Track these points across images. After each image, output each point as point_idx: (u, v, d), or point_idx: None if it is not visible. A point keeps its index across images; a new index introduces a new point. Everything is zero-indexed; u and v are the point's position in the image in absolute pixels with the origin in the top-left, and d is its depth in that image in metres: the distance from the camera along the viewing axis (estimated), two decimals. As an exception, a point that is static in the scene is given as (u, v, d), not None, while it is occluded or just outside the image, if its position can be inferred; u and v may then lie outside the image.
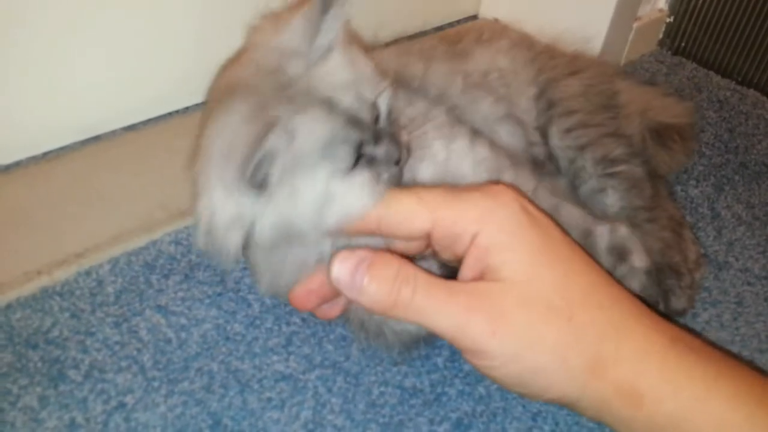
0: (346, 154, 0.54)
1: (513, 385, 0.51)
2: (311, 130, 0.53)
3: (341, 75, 0.56)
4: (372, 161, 0.56)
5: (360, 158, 0.55)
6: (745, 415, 0.48)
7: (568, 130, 0.77)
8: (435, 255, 0.57)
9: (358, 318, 0.65)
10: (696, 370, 0.49)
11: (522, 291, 0.50)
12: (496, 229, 0.51)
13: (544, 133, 0.79)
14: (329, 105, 0.54)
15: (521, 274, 0.50)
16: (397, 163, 0.57)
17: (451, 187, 0.55)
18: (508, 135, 0.75)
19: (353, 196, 0.54)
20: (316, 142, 0.53)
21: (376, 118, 0.57)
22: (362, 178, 0.54)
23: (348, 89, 0.55)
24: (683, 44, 1.28)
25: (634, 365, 0.49)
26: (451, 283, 0.51)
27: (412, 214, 0.53)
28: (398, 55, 0.76)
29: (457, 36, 0.84)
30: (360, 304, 0.51)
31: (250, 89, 0.56)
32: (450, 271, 0.58)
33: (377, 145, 0.56)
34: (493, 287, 0.50)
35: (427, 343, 0.67)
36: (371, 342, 0.66)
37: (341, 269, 0.50)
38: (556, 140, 0.78)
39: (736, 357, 0.69)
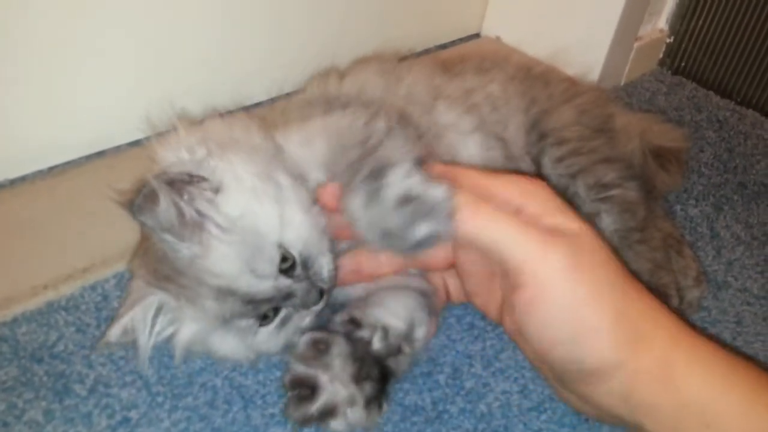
0: (249, 323, 0.59)
1: (559, 340, 0.50)
2: (199, 319, 0.58)
3: (230, 263, 0.56)
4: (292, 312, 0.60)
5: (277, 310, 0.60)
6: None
7: (560, 159, 0.79)
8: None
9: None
10: (720, 354, 0.50)
11: (594, 245, 0.51)
12: (544, 198, 0.53)
13: (536, 162, 0.80)
14: (224, 292, 0.56)
15: (586, 229, 0.51)
16: (322, 295, 0.59)
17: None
18: (476, 146, 0.76)
19: (270, 343, 0.60)
20: (211, 325, 0.59)
21: (292, 265, 0.58)
22: (269, 330, 0.60)
23: (240, 276, 0.56)
24: (683, 64, 1.30)
25: (669, 346, 0.50)
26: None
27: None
28: (377, 74, 0.77)
29: (459, 59, 0.85)
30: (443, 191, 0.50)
31: (144, 267, 0.60)
32: None
33: (287, 301, 0.58)
34: (570, 235, 0.50)
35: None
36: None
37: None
38: (549, 169, 0.80)
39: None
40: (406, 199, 0.50)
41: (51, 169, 0.91)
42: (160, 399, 0.65)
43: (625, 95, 1.21)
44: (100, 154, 0.94)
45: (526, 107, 0.81)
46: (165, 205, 0.53)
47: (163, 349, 0.68)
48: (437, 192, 0.50)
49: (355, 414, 0.57)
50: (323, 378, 0.57)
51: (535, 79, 0.85)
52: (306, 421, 0.57)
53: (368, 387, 0.58)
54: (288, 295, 0.58)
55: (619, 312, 0.49)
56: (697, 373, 0.49)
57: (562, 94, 0.84)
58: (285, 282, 0.57)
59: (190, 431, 0.63)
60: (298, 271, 0.58)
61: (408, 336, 0.62)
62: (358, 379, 0.58)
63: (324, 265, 0.59)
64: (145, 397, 0.65)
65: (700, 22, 1.25)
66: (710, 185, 1.01)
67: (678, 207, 0.96)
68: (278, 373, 0.68)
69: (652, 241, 0.77)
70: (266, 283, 0.56)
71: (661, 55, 1.31)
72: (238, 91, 1.03)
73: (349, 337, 0.60)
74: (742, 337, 0.78)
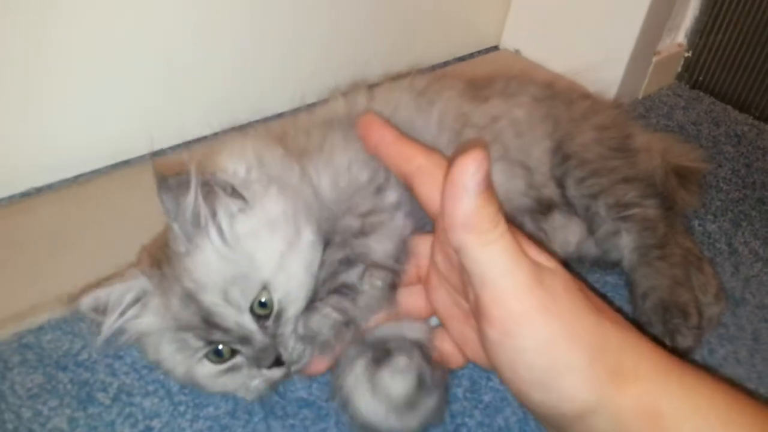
0: (198, 347, 0.58)
1: (532, 383, 0.48)
2: (160, 314, 0.58)
3: (210, 272, 0.56)
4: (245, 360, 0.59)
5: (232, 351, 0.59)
6: None
7: (582, 180, 0.79)
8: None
9: (335, 384, 0.63)
10: (715, 393, 0.48)
11: (566, 279, 0.49)
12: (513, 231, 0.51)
13: (561, 184, 0.81)
14: (189, 299, 0.56)
15: (557, 264, 0.50)
16: (278, 364, 0.57)
17: None
18: (498, 175, 0.75)
19: (215, 384, 0.60)
20: (165, 328, 0.58)
21: (267, 315, 0.57)
22: (211, 370, 0.59)
23: (210, 289, 0.56)
24: (701, 78, 1.30)
25: (653, 382, 0.47)
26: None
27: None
28: (405, 91, 0.78)
29: (487, 79, 0.85)
30: (450, 211, 0.48)
31: (147, 251, 0.62)
32: None
33: (244, 346, 0.58)
34: (545, 269, 0.49)
35: None
36: (340, 408, 0.65)
37: (471, 163, 0.47)
38: (572, 190, 0.80)
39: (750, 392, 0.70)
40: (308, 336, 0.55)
41: (77, 177, 0.93)
42: (182, 408, 0.66)
43: (642, 109, 1.21)
44: (125, 163, 0.96)
45: (550, 131, 0.82)
46: (189, 199, 0.55)
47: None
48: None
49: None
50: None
51: (558, 100, 0.85)
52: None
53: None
54: (244, 339, 0.57)
55: (595, 348, 0.47)
56: (688, 412, 0.46)
57: (582, 114, 0.84)
58: (250, 324, 0.56)
59: (212, 441, 0.64)
60: (269, 323, 0.57)
61: None
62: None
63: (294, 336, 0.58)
64: (167, 406, 0.66)
65: (719, 36, 1.26)
66: (728, 201, 1.01)
67: (696, 222, 0.96)
68: (298, 385, 0.69)
69: (671, 257, 0.77)
70: (230, 311, 0.56)
71: (679, 70, 1.31)
72: (262, 102, 1.05)
73: None
74: (760, 354, 0.78)
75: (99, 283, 0.60)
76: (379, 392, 0.59)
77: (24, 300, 0.74)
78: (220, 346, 0.58)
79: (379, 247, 0.57)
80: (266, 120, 1.06)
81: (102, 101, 0.91)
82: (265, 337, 0.56)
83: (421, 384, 0.59)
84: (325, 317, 0.54)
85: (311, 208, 0.60)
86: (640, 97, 1.25)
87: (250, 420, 0.65)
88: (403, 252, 0.58)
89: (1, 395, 0.66)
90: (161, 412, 0.65)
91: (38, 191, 0.90)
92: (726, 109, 1.25)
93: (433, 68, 1.24)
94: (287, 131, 0.71)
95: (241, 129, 1.02)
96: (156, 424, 0.65)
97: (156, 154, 0.98)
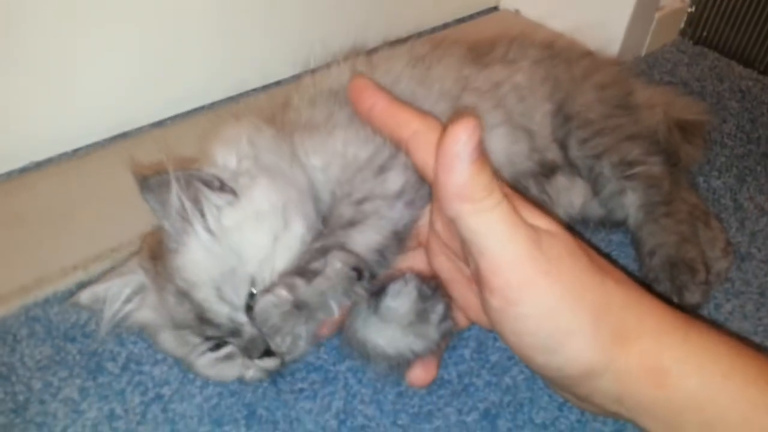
0: (195, 341, 0.59)
1: (537, 348, 0.48)
2: (157, 310, 0.59)
3: (200, 270, 0.56)
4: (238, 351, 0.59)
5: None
6: None
7: (585, 140, 0.79)
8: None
9: (347, 337, 0.63)
10: (718, 347, 0.48)
11: (567, 241, 0.49)
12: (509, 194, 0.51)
13: (563, 146, 0.80)
14: (183, 296, 0.56)
15: (558, 227, 0.49)
16: (268, 354, 0.58)
17: None
18: (501, 140, 0.75)
19: (211, 373, 0.61)
20: (163, 322, 0.59)
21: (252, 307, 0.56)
22: (209, 358, 0.60)
23: (201, 287, 0.56)
24: (705, 34, 1.28)
25: (657, 340, 0.47)
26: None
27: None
28: (403, 57, 0.76)
29: (488, 47, 0.84)
30: (443, 182, 0.48)
31: (148, 242, 0.62)
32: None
33: (236, 338, 0.58)
34: (544, 233, 0.48)
35: (400, 371, 0.62)
36: (358, 359, 0.65)
37: (462, 132, 0.46)
38: (575, 151, 0.79)
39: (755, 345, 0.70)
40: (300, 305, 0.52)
41: (76, 151, 0.92)
42: (191, 375, 0.66)
43: (645, 66, 1.20)
44: (123, 136, 0.95)
45: (550, 93, 0.81)
46: (172, 198, 0.55)
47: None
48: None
49: None
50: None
51: (558, 59, 0.84)
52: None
53: None
54: (235, 332, 0.57)
55: (599, 309, 0.47)
56: (692, 368, 0.47)
57: (582, 72, 0.83)
58: (240, 318, 0.57)
59: (221, 406, 0.64)
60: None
61: None
62: None
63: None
64: (176, 374, 0.66)
65: (722, -10, 1.24)
66: (733, 156, 1.01)
67: (701, 179, 0.95)
68: (306, 349, 0.69)
69: (678, 214, 0.76)
70: (222, 307, 0.56)
71: (682, 25, 1.29)
72: (261, 69, 1.04)
73: None
74: (766, 308, 0.78)
75: (98, 279, 0.61)
76: (388, 317, 0.58)
77: (29, 273, 0.74)
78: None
79: (362, 238, 0.55)
80: (266, 88, 1.06)
81: (99, 74, 0.90)
82: (254, 328, 0.57)
83: (422, 295, 0.58)
84: (275, 296, 0.52)
85: (304, 195, 0.59)
86: (642, 54, 1.23)
87: (259, 385, 0.66)
88: (393, 246, 0.56)
89: (11, 367, 0.66)
90: (171, 380, 0.66)
91: (38, 166, 0.90)
92: (730, 64, 1.23)
93: (433, 31, 1.23)
94: (291, 100, 0.70)
95: (241, 98, 1.03)
96: (166, 391, 0.65)
97: (155, 125, 0.97)
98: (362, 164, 0.59)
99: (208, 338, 0.58)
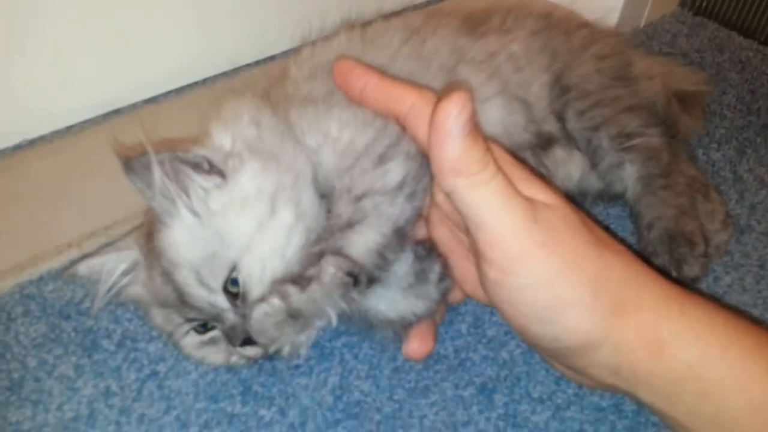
0: (179, 322, 0.59)
1: (534, 318, 0.48)
2: (146, 286, 0.59)
3: (179, 252, 0.56)
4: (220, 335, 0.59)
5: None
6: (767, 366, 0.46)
7: (582, 112, 0.78)
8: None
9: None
10: (715, 319, 0.48)
11: (566, 213, 0.49)
12: (509, 163, 0.51)
13: (561, 118, 0.79)
14: (167, 276, 0.56)
15: (558, 200, 0.49)
16: (248, 343, 0.56)
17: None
18: (498, 110, 0.74)
19: (198, 354, 0.61)
20: (152, 300, 0.59)
21: (236, 294, 0.55)
22: (194, 340, 0.60)
23: (182, 270, 0.55)
24: (704, 4, 1.26)
25: (655, 312, 0.48)
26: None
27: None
28: (398, 30, 0.75)
29: (484, 17, 0.83)
30: (437, 157, 0.47)
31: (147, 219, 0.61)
32: None
33: (218, 322, 0.57)
34: (541, 205, 0.48)
35: (403, 337, 0.62)
36: (358, 330, 0.65)
37: (453, 106, 0.46)
38: (573, 123, 0.78)
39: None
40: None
41: (68, 128, 0.92)
42: (186, 352, 0.66)
43: (645, 37, 1.18)
44: (116, 113, 0.94)
45: (548, 63, 0.79)
46: (155, 179, 0.54)
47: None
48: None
49: None
50: None
51: (556, 30, 0.82)
52: None
53: None
54: (217, 317, 0.57)
55: (598, 280, 0.47)
56: (689, 339, 0.47)
57: (581, 43, 0.82)
58: (222, 303, 0.56)
59: (217, 382, 0.64)
60: (239, 301, 0.56)
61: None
62: None
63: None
64: (172, 350, 0.66)
65: (723, -41, 1.22)
66: (733, 128, 1.00)
67: (700, 151, 0.94)
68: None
69: (676, 186, 0.75)
70: (200, 291, 0.55)
71: (682, -5, 1.28)
72: (258, 43, 1.02)
73: None
74: (765, 281, 0.78)
75: (95, 252, 0.61)
76: (388, 282, 0.57)
77: (23, 252, 0.74)
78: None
79: (360, 240, 0.53)
80: (260, 63, 1.04)
81: (90, 50, 0.89)
82: (235, 316, 0.56)
83: (418, 256, 0.58)
84: (269, 306, 0.51)
85: (301, 181, 0.57)
86: (641, 25, 1.22)
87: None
88: (393, 245, 0.54)
89: (6, 346, 0.66)
90: (166, 356, 0.66)
91: (31, 143, 0.89)
92: (730, 35, 1.21)
93: (428, 3, 1.21)
94: (288, 71, 0.69)
95: (235, 73, 1.01)
96: (161, 368, 0.65)
97: (148, 102, 0.96)
98: (360, 152, 0.57)
99: (190, 320, 0.58)
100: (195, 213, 0.55)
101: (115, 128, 0.91)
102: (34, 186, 0.82)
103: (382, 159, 0.56)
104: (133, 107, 0.95)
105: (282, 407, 0.62)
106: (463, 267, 0.58)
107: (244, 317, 0.55)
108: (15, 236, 0.76)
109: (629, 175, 0.77)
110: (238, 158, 0.57)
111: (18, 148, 0.88)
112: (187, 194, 0.55)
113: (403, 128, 0.54)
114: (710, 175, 0.90)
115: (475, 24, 0.81)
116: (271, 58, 1.05)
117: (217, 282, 0.55)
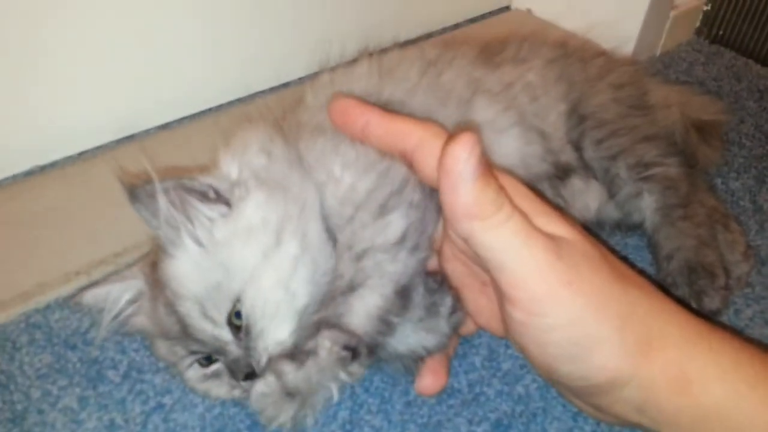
0: (182, 355, 0.58)
1: (562, 358, 0.47)
2: (149, 318, 0.58)
3: (182, 283, 0.55)
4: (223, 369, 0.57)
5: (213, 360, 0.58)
6: None
7: (600, 141, 0.77)
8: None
9: None
10: (743, 355, 0.47)
11: (586, 248, 0.47)
12: (529, 197, 0.50)
13: (578, 147, 0.78)
14: (170, 308, 0.55)
15: (576, 233, 0.48)
16: (250, 377, 0.54)
17: None
18: (514, 141, 0.73)
19: (202, 389, 0.59)
20: (156, 333, 0.58)
21: (240, 327, 0.54)
22: (197, 373, 0.59)
23: (185, 302, 0.54)
24: (721, 32, 1.25)
25: (681, 348, 0.46)
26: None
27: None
28: (415, 61, 0.74)
29: (500, 47, 0.82)
30: (450, 203, 0.46)
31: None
32: None
33: (221, 356, 0.56)
34: (562, 241, 0.47)
35: (414, 371, 0.61)
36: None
37: (462, 149, 0.45)
38: (590, 152, 0.77)
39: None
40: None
41: (81, 154, 0.91)
42: (192, 385, 0.65)
43: (661, 66, 1.18)
44: (129, 138, 0.94)
45: (565, 92, 0.79)
46: (159, 207, 0.53)
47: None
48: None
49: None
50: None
51: (572, 59, 0.82)
52: None
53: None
54: (219, 350, 0.55)
55: (624, 317, 0.46)
56: (717, 376, 0.46)
57: (597, 72, 0.81)
58: (225, 336, 0.55)
59: (224, 416, 0.62)
60: (242, 334, 0.54)
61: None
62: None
63: (266, 348, 0.54)
64: (178, 382, 0.64)
65: (739, -12, 1.21)
66: (752, 157, 0.98)
67: (719, 180, 0.93)
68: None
69: (696, 217, 0.74)
70: (205, 324, 0.54)
71: (698, 24, 1.27)
72: (270, 72, 1.02)
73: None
74: (788, 314, 0.76)
75: (100, 281, 0.60)
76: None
77: (30, 279, 0.73)
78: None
79: (361, 306, 0.52)
80: (275, 90, 1.04)
81: (104, 77, 0.89)
82: (239, 349, 0.55)
83: (428, 289, 0.57)
84: (265, 385, 0.51)
85: (308, 213, 0.56)
86: (658, 53, 1.21)
87: (263, 394, 0.64)
88: (396, 307, 0.53)
89: (10, 376, 0.65)
90: (172, 389, 0.64)
91: (42, 169, 0.89)
92: (747, 63, 1.20)
93: (444, 31, 1.21)
94: (304, 97, 0.69)
95: (250, 100, 1.01)
96: (167, 400, 0.63)
97: (161, 128, 0.96)
98: (361, 201, 0.55)
99: (193, 352, 0.57)
100: (199, 243, 0.54)
101: (127, 154, 0.91)
102: (43, 212, 0.82)
103: (383, 210, 0.54)
104: (146, 133, 0.95)
105: (290, 442, 0.61)
106: (477, 299, 0.57)
107: (248, 350, 0.54)
108: (23, 263, 0.76)
109: (647, 206, 0.76)
110: (244, 187, 0.56)
111: (29, 173, 0.88)
112: (192, 223, 0.54)
113: (410, 165, 0.53)
114: (730, 205, 0.89)
115: (490, 54, 0.80)
116: (286, 84, 1.05)
117: (221, 315, 0.54)
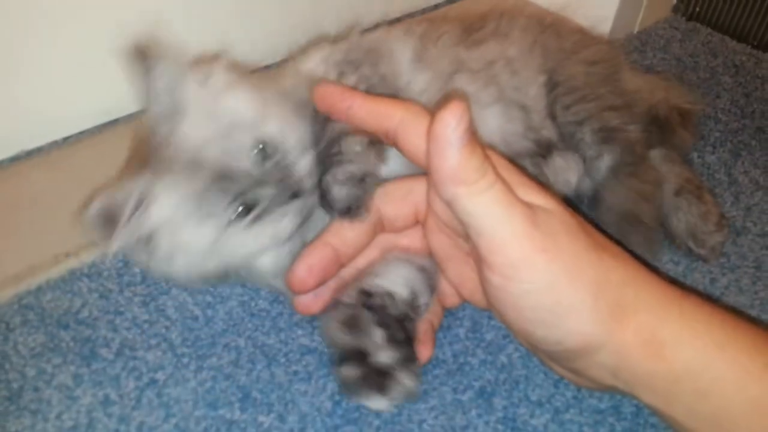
0: (224, 206, 0.57)
1: (537, 322, 0.49)
2: (170, 194, 0.57)
3: (200, 132, 0.57)
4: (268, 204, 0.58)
5: (254, 204, 0.58)
6: (765, 363, 0.46)
7: (568, 106, 0.79)
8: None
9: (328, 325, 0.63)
10: (714, 318, 0.49)
11: (564, 217, 0.49)
12: (507, 168, 0.52)
13: (553, 115, 0.80)
14: (193, 165, 0.56)
15: (555, 204, 0.50)
16: (296, 195, 0.58)
17: None
18: (496, 118, 0.75)
19: (248, 244, 0.59)
20: (183, 204, 0.57)
21: (266, 158, 0.58)
22: (248, 223, 0.58)
23: (210, 145, 0.56)
24: (697, 9, 1.27)
25: (654, 313, 0.48)
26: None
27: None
28: (396, 39, 0.76)
29: (480, 22, 0.83)
30: (436, 167, 0.48)
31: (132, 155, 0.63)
32: None
33: (263, 188, 0.57)
34: (540, 210, 0.49)
35: None
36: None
37: (451, 117, 0.47)
38: (560, 117, 0.79)
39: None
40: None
41: (65, 139, 0.92)
42: (185, 360, 0.66)
43: (638, 43, 1.19)
44: (113, 123, 0.95)
45: (541, 63, 0.80)
46: (167, 84, 0.59)
47: (186, 311, 0.70)
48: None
49: (406, 377, 0.59)
50: (369, 344, 0.59)
51: (548, 30, 0.84)
52: (363, 382, 0.59)
53: (404, 349, 0.60)
54: (260, 182, 0.57)
55: (598, 284, 0.48)
56: (687, 339, 0.47)
57: (572, 47, 0.83)
58: (258, 165, 0.58)
59: (216, 390, 0.64)
60: (275, 159, 0.58)
61: (412, 303, 0.61)
62: (392, 341, 0.59)
63: (299, 162, 0.59)
64: (170, 358, 0.66)
65: (715, -35, 1.23)
66: (727, 131, 1.00)
67: (695, 154, 0.95)
68: (300, 332, 0.69)
69: (644, 175, 0.77)
70: (240, 155, 0.57)
71: (675, 2, 1.28)
72: (249, 53, 1.02)
73: (366, 307, 0.60)
74: (762, 282, 0.78)
75: (99, 193, 0.59)
76: None
77: (21, 262, 0.74)
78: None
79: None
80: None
81: (88, 62, 0.89)
82: (278, 170, 0.58)
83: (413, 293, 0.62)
84: (342, 171, 0.57)
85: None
86: (635, 30, 1.22)
87: (253, 368, 0.66)
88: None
89: (5, 355, 0.66)
90: (165, 365, 0.66)
91: (28, 154, 0.89)
92: (723, 39, 1.22)
93: (424, 12, 1.22)
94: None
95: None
96: (160, 376, 0.65)
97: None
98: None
99: (234, 198, 0.57)
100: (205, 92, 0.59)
101: (112, 138, 0.91)
102: (31, 196, 0.82)
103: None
104: (130, 117, 0.96)
105: (281, 413, 0.62)
106: (461, 272, 0.59)
107: (286, 168, 0.58)
108: (13, 246, 0.77)
109: (604, 165, 0.78)
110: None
111: (15, 159, 0.89)
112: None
113: (394, 144, 0.55)
114: (706, 178, 0.91)
115: (472, 30, 0.82)
116: (266, 68, 1.05)
117: (246, 148, 0.58)
